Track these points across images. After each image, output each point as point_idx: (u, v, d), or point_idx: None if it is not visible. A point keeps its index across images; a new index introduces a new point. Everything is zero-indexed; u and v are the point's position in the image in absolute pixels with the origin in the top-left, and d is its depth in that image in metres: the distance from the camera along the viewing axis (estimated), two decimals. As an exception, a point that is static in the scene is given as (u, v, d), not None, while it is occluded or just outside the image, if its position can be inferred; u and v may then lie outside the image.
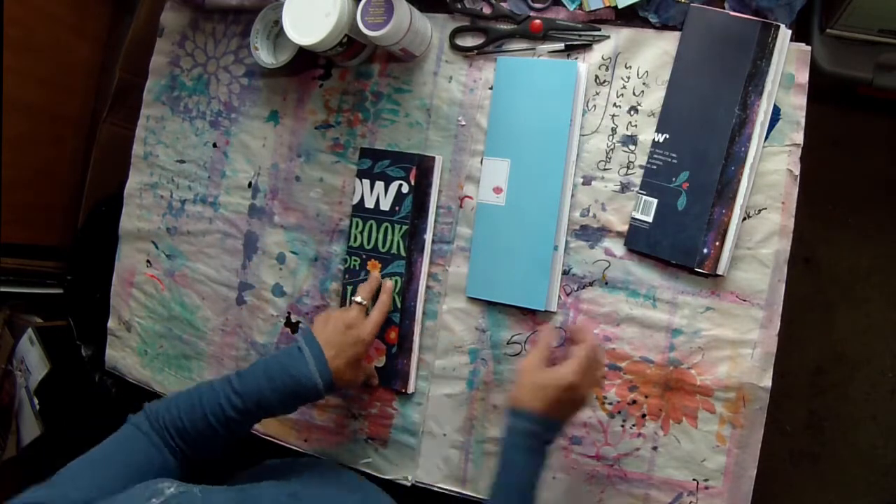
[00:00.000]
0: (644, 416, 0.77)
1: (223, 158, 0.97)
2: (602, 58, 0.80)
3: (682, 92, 0.77)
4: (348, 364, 0.73)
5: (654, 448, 0.77)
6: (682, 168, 0.76)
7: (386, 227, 0.85)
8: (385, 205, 0.86)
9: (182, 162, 1.00)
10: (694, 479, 0.76)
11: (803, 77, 0.75)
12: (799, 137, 0.74)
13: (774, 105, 0.75)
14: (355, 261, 0.87)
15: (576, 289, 0.80)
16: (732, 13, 0.75)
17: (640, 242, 0.77)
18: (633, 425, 0.77)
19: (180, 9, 1.01)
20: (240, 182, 0.96)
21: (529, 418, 0.64)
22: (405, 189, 0.85)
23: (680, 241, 0.75)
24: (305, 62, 0.91)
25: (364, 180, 0.87)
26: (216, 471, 0.70)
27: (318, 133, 0.91)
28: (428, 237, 0.84)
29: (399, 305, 0.85)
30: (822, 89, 0.79)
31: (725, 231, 0.74)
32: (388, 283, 0.83)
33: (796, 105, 0.75)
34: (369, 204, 0.87)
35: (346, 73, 0.91)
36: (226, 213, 0.97)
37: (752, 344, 0.75)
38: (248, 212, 0.95)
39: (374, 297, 0.82)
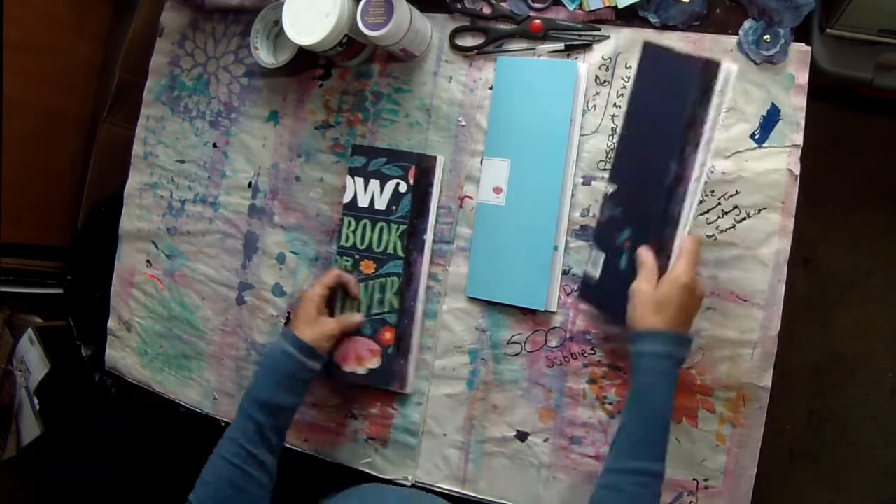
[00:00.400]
0: (644, 416, 0.77)
1: (223, 158, 0.97)
2: (602, 58, 0.80)
3: (631, 140, 0.72)
4: (303, 321, 0.78)
5: (654, 448, 0.77)
6: (627, 223, 0.71)
7: (381, 227, 0.85)
8: (381, 204, 0.85)
9: (182, 162, 1.00)
10: (694, 479, 0.76)
11: (803, 77, 0.75)
12: (799, 138, 0.74)
13: (774, 105, 0.75)
14: (347, 261, 0.86)
15: (576, 289, 0.79)
16: (678, 51, 0.68)
17: (589, 295, 0.77)
18: (633, 425, 0.77)
19: (180, 9, 1.01)
20: (240, 182, 0.96)
21: (660, 338, 0.63)
22: (403, 188, 0.84)
23: (624, 304, 0.67)
24: (305, 62, 0.91)
25: (357, 178, 0.86)
26: None
27: (318, 133, 0.91)
28: (428, 237, 0.84)
29: (397, 306, 0.84)
30: (822, 89, 0.79)
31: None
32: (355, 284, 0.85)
33: (796, 105, 0.75)
34: (363, 203, 0.86)
35: (346, 73, 0.91)
36: (226, 213, 0.97)
37: (752, 344, 0.75)
38: (248, 212, 0.95)
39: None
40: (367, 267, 0.85)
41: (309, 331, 0.77)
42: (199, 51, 1.00)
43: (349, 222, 0.86)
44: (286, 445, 0.90)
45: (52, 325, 1.18)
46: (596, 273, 0.74)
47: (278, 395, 0.73)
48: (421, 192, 0.84)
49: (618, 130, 0.74)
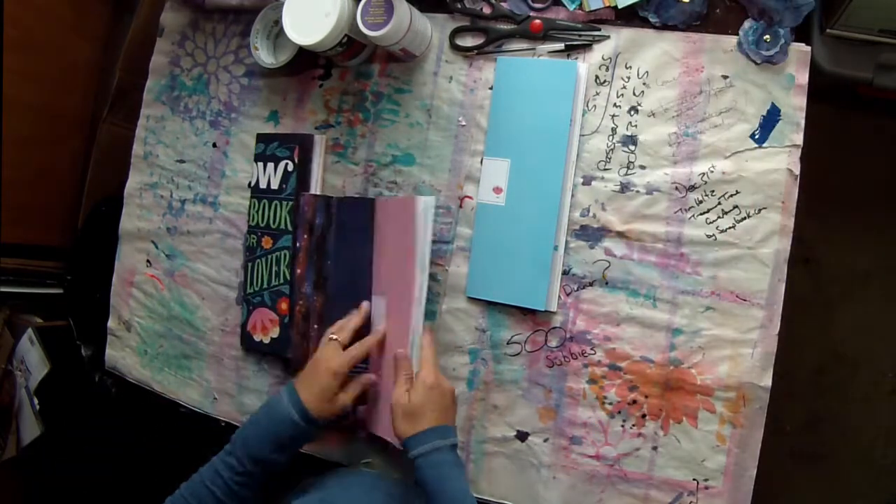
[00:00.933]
0: (644, 415, 0.77)
1: (223, 158, 0.97)
2: (602, 58, 0.80)
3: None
4: (319, 396, 0.73)
5: (654, 448, 0.77)
6: None
7: (276, 205, 0.90)
8: (274, 184, 0.90)
9: (182, 162, 1.00)
10: (694, 479, 0.76)
11: (803, 77, 0.75)
12: (799, 138, 0.74)
13: (774, 105, 0.75)
14: (253, 238, 0.91)
15: (576, 289, 0.80)
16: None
17: None
18: (633, 425, 0.77)
19: (180, 9, 1.01)
20: (240, 182, 0.96)
21: (425, 436, 0.68)
22: (290, 167, 0.89)
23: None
24: (305, 62, 0.91)
25: (258, 163, 0.92)
26: None
27: (319, 133, 0.91)
28: None
29: (289, 277, 0.88)
30: (822, 89, 0.79)
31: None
32: (364, 306, 0.82)
33: (796, 105, 0.75)
34: (263, 184, 0.92)
35: (346, 73, 0.91)
36: (226, 212, 0.97)
37: (753, 343, 0.75)
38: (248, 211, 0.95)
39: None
40: (266, 242, 0.90)
41: (321, 405, 0.73)
42: (199, 51, 1.00)
43: (254, 203, 0.92)
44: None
45: (52, 325, 1.19)
46: None
47: (273, 453, 0.71)
48: (304, 169, 0.88)
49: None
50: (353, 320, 0.80)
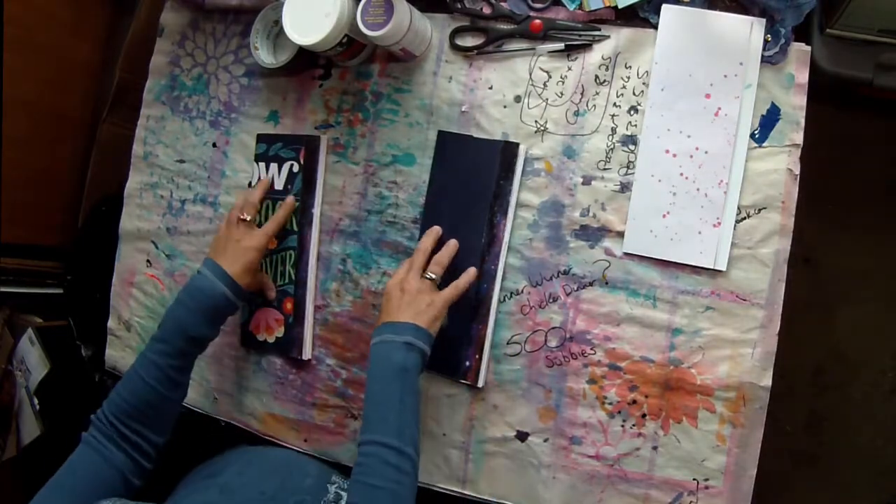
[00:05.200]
0: (644, 415, 0.77)
1: (223, 158, 0.97)
2: (602, 58, 0.80)
3: (437, 214, 0.82)
4: (244, 270, 0.79)
5: (654, 448, 0.77)
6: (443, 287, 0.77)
7: (280, 205, 0.89)
8: (279, 184, 0.90)
9: (182, 162, 1.00)
10: (694, 479, 0.76)
11: (803, 77, 0.75)
12: (799, 137, 0.74)
13: (774, 104, 0.75)
14: None
15: (576, 289, 0.80)
16: (476, 136, 0.82)
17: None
18: (633, 425, 0.77)
19: (180, 9, 1.01)
20: (240, 182, 0.96)
21: (386, 329, 0.70)
22: (295, 168, 0.89)
23: (445, 357, 0.80)
24: (305, 62, 0.92)
25: (260, 164, 0.92)
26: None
27: (319, 133, 0.91)
28: (316, 211, 0.90)
29: (294, 277, 0.89)
30: (822, 89, 0.79)
31: (482, 345, 0.80)
32: (289, 200, 0.88)
33: (796, 105, 0.75)
34: None
35: (346, 73, 0.91)
36: (226, 212, 0.97)
37: (753, 343, 0.75)
38: (248, 212, 0.95)
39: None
40: (272, 243, 0.89)
41: (248, 278, 0.80)
42: (199, 51, 1.00)
43: None
44: (284, 443, 0.91)
45: (52, 325, 1.18)
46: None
47: (206, 328, 0.77)
48: (310, 170, 0.89)
49: (421, 214, 0.84)
50: (254, 194, 0.87)
